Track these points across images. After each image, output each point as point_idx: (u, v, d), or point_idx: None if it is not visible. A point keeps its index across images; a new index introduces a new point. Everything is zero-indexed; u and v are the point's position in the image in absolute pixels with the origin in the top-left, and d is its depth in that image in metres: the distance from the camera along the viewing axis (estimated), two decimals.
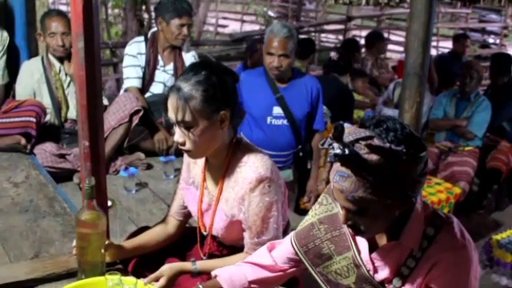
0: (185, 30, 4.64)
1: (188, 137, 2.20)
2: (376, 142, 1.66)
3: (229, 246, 2.49)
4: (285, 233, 2.44)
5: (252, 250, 2.33)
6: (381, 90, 7.82)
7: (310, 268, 2.09)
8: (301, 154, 4.32)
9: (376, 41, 8.33)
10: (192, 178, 2.51)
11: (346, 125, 1.72)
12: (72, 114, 4.46)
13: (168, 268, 2.35)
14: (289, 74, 4.15)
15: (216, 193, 2.38)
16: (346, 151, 1.64)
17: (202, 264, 2.41)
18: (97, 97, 2.31)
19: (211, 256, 2.51)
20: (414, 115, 3.30)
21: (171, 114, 2.21)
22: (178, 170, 4.39)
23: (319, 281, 2.09)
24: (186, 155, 2.40)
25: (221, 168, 2.36)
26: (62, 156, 4.23)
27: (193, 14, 5.07)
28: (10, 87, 4.56)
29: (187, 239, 2.66)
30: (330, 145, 1.68)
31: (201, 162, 2.46)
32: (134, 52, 4.73)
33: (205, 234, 2.50)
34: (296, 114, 4.14)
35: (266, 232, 2.30)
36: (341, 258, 1.99)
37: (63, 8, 15.46)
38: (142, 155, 4.53)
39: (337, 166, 1.71)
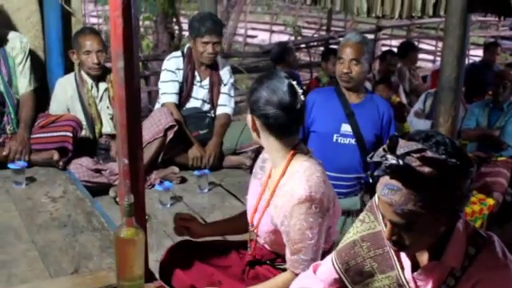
0: (209, 48, 4.67)
1: None
2: (430, 154, 1.65)
3: (271, 252, 2.52)
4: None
5: (292, 267, 2.34)
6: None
7: (349, 286, 2.08)
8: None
9: (409, 51, 8.20)
10: (261, 173, 2.58)
11: None
12: (106, 129, 4.53)
13: None
14: (361, 88, 3.89)
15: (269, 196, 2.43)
16: (401, 162, 1.64)
17: None
18: (136, 116, 2.34)
19: (253, 263, 2.56)
20: (449, 129, 3.30)
21: None
22: (211, 184, 4.44)
23: None
24: (264, 151, 2.53)
25: (279, 173, 2.38)
26: (98, 171, 4.29)
27: (223, 29, 5.06)
28: (45, 102, 4.60)
29: (225, 250, 2.74)
30: (383, 156, 1.68)
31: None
32: (173, 67, 4.77)
33: (250, 229, 2.55)
34: (366, 133, 3.77)
35: (304, 252, 2.29)
36: (383, 277, 1.98)
37: (94, 20, 15.69)
38: (176, 169, 4.56)
39: (385, 179, 1.71)
